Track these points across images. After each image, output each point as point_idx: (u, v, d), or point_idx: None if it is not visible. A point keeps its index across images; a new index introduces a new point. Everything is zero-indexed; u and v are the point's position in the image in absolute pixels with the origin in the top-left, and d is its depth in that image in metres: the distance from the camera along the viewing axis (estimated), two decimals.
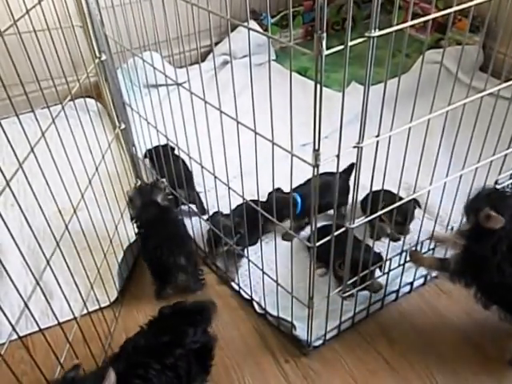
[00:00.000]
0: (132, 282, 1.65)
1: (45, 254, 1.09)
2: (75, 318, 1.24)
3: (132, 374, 1.06)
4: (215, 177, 1.37)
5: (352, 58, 0.85)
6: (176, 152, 1.69)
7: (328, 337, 1.42)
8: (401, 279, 1.49)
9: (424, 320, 1.47)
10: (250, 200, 1.31)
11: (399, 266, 1.45)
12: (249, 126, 1.10)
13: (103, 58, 1.50)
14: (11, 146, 0.93)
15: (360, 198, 1.18)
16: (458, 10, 0.98)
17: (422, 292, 1.56)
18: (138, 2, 1.45)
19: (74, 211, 1.23)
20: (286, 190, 1.50)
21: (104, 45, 1.49)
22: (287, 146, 1.00)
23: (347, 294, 1.33)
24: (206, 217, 1.67)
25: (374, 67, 0.86)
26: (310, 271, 1.17)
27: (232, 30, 2.58)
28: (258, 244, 1.57)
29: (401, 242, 1.55)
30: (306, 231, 1.74)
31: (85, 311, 1.31)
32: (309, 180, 1.58)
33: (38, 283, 1.04)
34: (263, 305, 1.49)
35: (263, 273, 1.40)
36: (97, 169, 1.37)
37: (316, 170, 0.94)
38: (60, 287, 1.16)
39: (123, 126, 1.69)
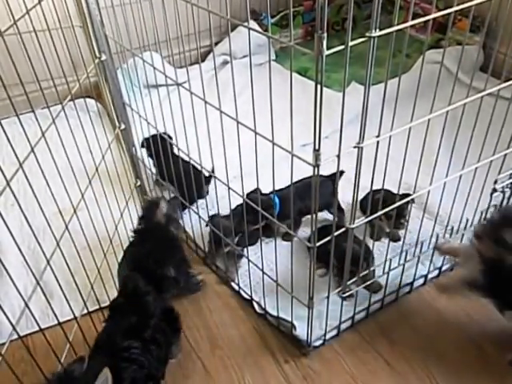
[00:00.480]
0: None
1: (45, 253, 1.09)
2: (75, 318, 1.24)
3: (118, 360, 1.08)
4: (215, 177, 1.37)
5: (352, 58, 0.85)
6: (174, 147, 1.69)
7: (328, 337, 1.42)
8: (401, 279, 1.49)
9: (424, 320, 1.47)
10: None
11: (399, 265, 1.45)
12: (249, 126, 1.10)
13: (103, 58, 1.50)
14: (11, 146, 0.93)
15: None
16: (458, 10, 0.98)
17: (422, 292, 1.56)
18: (137, 2, 1.45)
19: (74, 211, 1.23)
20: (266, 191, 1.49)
21: (104, 45, 1.48)
22: (287, 147, 1.00)
23: (347, 293, 1.34)
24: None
25: (374, 67, 0.86)
26: (310, 271, 1.17)
27: (232, 30, 2.58)
28: (258, 244, 1.57)
29: (401, 243, 1.55)
30: (306, 231, 1.73)
31: (85, 311, 1.31)
32: (296, 182, 1.56)
33: (38, 283, 1.04)
34: (263, 305, 1.49)
35: (263, 273, 1.40)
36: (97, 169, 1.37)
37: (316, 169, 0.94)
38: (60, 287, 1.16)
39: (123, 127, 1.68)
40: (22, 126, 1.01)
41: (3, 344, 0.96)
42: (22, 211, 0.99)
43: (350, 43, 0.80)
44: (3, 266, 1.01)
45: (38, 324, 1.11)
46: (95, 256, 1.35)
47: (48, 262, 1.09)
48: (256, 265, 1.44)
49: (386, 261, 1.39)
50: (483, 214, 1.49)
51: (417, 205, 1.66)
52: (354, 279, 1.33)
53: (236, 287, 1.60)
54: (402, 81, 0.99)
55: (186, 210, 1.79)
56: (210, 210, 1.64)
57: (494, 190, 1.40)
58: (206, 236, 1.69)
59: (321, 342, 1.41)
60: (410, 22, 0.88)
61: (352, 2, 0.77)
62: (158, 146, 1.70)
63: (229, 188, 1.32)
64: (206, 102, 1.24)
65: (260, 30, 2.22)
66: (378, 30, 0.81)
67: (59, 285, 1.15)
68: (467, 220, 1.50)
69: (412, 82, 1.13)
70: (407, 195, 1.30)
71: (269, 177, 1.15)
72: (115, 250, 1.50)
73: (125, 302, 1.23)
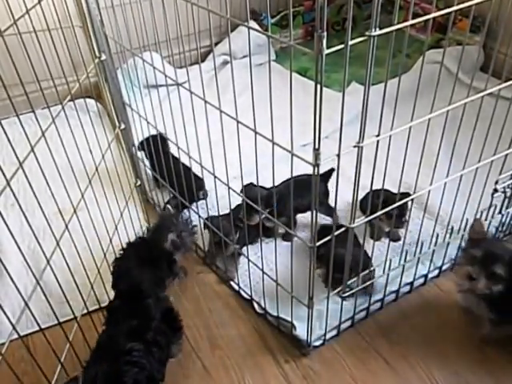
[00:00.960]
0: None
1: (45, 253, 1.09)
2: (75, 318, 1.24)
3: (120, 363, 1.08)
4: (215, 177, 1.37)
5: (352, 58, 0.85)
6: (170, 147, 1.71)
7: (328, 337, 1.42)
8: (401, 279, 1.49)
9: (424, 320, 1.47)
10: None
11: (399, 265, 1.45)
12: (249, 126, 1.10)
13: (103, 57, 1.50)
14: (11, 146, 0.93)
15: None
16: (458, 10, 0.98)
17: (422, 292, 1.56)
18: (137, 2, 1.45)
19: (74, 211, 1.23)
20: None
21: (104, 45, 1.49)
22: (287, 146, 1.00)
23: (347, 293, 1.33)
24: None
25: (374, 67, 0.86)
26: (310, 271, 1.17)
27: (232, 31, 2.58)
28: (258, 244, 1.57)
29: (401, 242, 1.55)
30: (306, 232, 1.73)
31: (85, 311, 1.31)
32: (284, 181, 1.57)
33: (38, 283, 1.04)
34: (263, 305, 1.49)
35: (263, 273, 1.40)
36: (97, 169, 1.37)
37: (316, 169, 0.94)
38: (60, 287, 1.16)
39: (123, 126, 1.69)
40: (22, 126, 1.01)
41: (3, 344, 0.96)
42: (22, 211, 0.99)
43: (350, 42, 0.80)
44: (3, 265, 1.02)
45: (38, 324, 1.11)
46: (95, 256, 1.35)
47: (48, 261, 1.09)
48: (256, 265, 1.44)
49: (386, 261, 1.39)
50: (483, 214, 1.49)
51: (417, 205, 1.66)
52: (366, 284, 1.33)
53: (236, 287, 1.60)
54: (403, 81, 0.99)
55: (186, 210, 1.78)
56: (209, 210, 1.64)
57: (495, 191, 1.40)
58: (206, 236, 1.68)
59: (321, 341, 1.41)
60: (410, 22, 0.88)
61: (352, 2, 0.77)
62: (156, 146, 1.71)
63: (229, 188, 1.32)
64: (205, 102, 1.23)
65: (260, 29, 2.22)
66: (377, 29, 0.81)
67: (59, 285, 1.15)
68: (467, 220, 1.49)
69: (412, 81, 1.13)
70: (407, 194, 1.30)
71: (269, 177, 1.15)
72: (115, 250, 1.50)
73: (123, 304, 1.23)
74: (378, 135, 1.01)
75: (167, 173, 1.69)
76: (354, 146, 0.96)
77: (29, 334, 1.45)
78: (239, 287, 1.58)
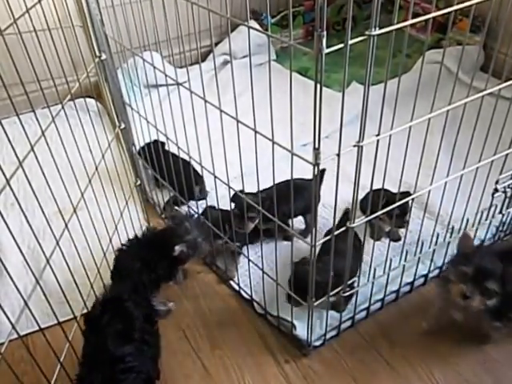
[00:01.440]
0: None
1: (45, 253, 1.08)
2: (75, 318, 1.24)
3: (115, 373, 1.08)
4: (215, 176, 1.37)
5: (353, 58, 0.85)
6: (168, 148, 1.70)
7: (328, 337, 1.42)
8: (401, 279, 1.49)
9: (424, 320, 1.47)
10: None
11: (399, 265, 1.45)
12: (249, 125, 1.10)
13: (103, 57, 1.49)
14: (11, 146, 0.93)
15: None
16: (458, 10, 0.97)
17: (422, 292, 1.56)
18: (138, 1, 1.45)
19: (74, 210, 1.23)
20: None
21: (104, 44, 1.48)
22: (288, 146, 1.00)
23: (347, 293, 1.33)
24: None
25: (374, 67, 0.86)
26: (310, 271, 1.17)
27: (232, 30, 2.58)
28: (259, 244, 1.57)
29: (401, 242, 1.55)
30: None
31: (85, 311, 1.31)
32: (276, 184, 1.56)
33: (37, 282, 1.04)
34: (263, 305, 1.49)
35: (263, 272, 1.40)
36: (97, 168, 1.37)
37: (316, 168, 0.93)
38: (60, 287, 1.16)
39: (123, 126, 1.68)
40: (22, 125, 1.01)
41: (3, 343, 0.96)
42: (22, 211, 0.99)
43: (350, 42, 0.80)
44: (3, 265, 1.01)
45: (37, 323, 1.11)
46: (95, 255, 1.35)
47: (48, 260, 1.09)
48: (256, 264, 1.44)
49: (386, 260, 1.38)
50: (484, 214, 1.49)
51: (417, 204, 1.66)
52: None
53: (236, 287, 1.59)
54: (403, 81, 0.99)
55: (185, 209, 1.78)
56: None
57: (496, 190, 1.39)
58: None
59: (321, 341, 1.41)
60: (410, 21, 0.88)
61: (351, 1, 0.76)
62: (156, 152, 1.72)
63: (229, 187, 1.32)
64: (205, 101, 1.23)
65: (260, 29, 2.22)
66: (377, 29, 0.81)
67: (59, 284, 1.15)
68: (468, 220, 1.49)
69: (412, 81, 1.13)
70: (408, 193, 1.30)
71: (269, 177, 1.15)
72: (115, 250, 1.50)
73: (102, 312, 1.21)
74: (377, 135, 1.00)
75: (167, 171, 1.69)
76: (354, 146, 0.96)
77: (28, 334, 1.45)
78: (239, 287, 1.58)
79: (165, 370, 1.37)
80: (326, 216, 1.78)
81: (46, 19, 1.17)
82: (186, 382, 1.36)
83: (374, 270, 1.39)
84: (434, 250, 1.49)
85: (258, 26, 2.40)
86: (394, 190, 1.31)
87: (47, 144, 1.08)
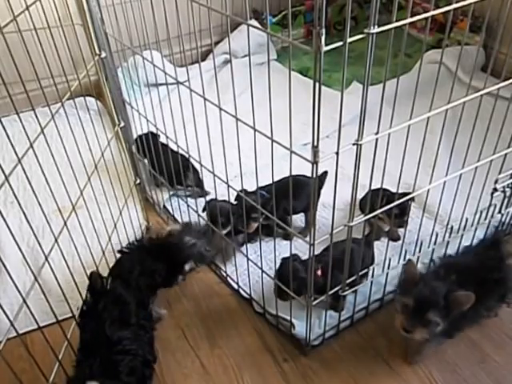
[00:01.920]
0: None
1: (43, 251, 1.09)
2: (74, 316, 1.24)
3: (112, 354, 1.09)
4: (215, 175, 1.37)
5: (353, 58, 0.85)
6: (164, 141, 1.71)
7: (327, 336, 1.41)
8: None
9: None
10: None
11: (398, 264, 1.45)
12: (248, 124, 1.10)
13: (103, 55, 1.50)
14: (11, 144, 0.93)
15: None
16: (458, 9, 0.97)
17: None
18: (138, 0, 1.46)
19: (74, 209, 1.23)
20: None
21: (104, 43, 1.48)
22: (288, 145, 1.00)
23: (346, 292, 1.33)
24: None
25: (375, 67, 0.85)
26: (310, 270, 1.17)
27: (233, 30, 2.58)
28: (258, 243, 1.57)
29: (400, 242, 1.55)
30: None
31: None
32: (277, 181, 1.55)
33: (36, 279, 1.04)
34: (262, 304, 1.49)
35: (262, 271, 1.40)
36: (96, 166, 1.37)
37: (315, 166, 0.93)
38: (59, 285, 1.16)
39: (122, 124, 1.69)
40: (22, 123, 1.01)
41: (1, 341, 0.96)
42: (21, 209, 0.99)
43: (349, 40, 0.80)
44: (2, 263, 1.01)
45: (36, 322, 1.11)
46: (94, 254, 1.35)
47: (46, 258, 1.09)
48: (255, 263, 1.44)
49: (385, 260, 1.38)
50: (483, 214, 1.49)
51: (416, 204, 1.66)
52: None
53: (235, 286, 1.59)
54: (403, 80, 0.99)
55: (185, 208, 1.77)
56: None
57: (495, 190, 1.39)
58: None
59: (320, 341, 1.41)
60: (408, 20, 0.88)
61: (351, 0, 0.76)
62: (149, 143, 1.75)
63: (228, 186, 1.32)
64: (205, 100, 1.23)
65: (260, 27, 2.22)
66: (376, 27, 0.81)
67: (58, 283, 1.16)
68: (467, 219, 1.49)
69: (413, 81, 1.12)
70: (407, 194, 1.29)
71: (269, 175, 1.15)
72: (114, 248, 1.50)
73: (95, 305, 1.21)
74: (376, 133, 1.00)
75: (156, 159, 1.72)
76: (353, 144, 0.96)
77: (27, 332, 1.45)
78: (238, 286, 1.58)
79: (164, 368, 1.38)
80: (325, 216, 1.78)
81: (47, 17, 1.17)
82: (185, 381, 1.36)
83: (373, 269, 1.39)
84: (433, 250, 1.48)
85: (258, 26, 2.41)
86: (394, 190, 1.31)
87: (47, 142, 1.08)
